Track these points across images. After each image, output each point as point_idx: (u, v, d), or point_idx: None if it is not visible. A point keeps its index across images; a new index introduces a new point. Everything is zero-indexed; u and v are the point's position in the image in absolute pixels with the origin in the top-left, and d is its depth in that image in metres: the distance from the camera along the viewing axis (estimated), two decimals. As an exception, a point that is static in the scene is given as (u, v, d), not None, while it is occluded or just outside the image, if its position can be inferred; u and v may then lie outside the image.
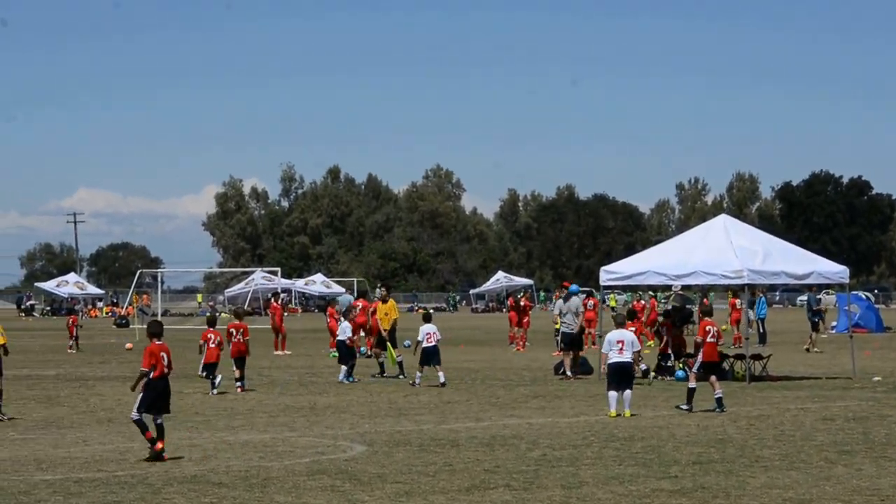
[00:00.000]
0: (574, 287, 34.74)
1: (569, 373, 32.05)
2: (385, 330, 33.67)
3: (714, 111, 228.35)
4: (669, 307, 36.20)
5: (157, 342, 18.21)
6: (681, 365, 31.60)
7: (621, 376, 23.05)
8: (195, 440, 20.10)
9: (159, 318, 79.18)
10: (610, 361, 23.09)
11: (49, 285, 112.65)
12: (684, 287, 39.05)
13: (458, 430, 21.39)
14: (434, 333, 30.17)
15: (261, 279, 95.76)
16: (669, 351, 32.67)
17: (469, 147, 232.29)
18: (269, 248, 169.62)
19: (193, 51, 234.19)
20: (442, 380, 29.85)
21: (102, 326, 77.13)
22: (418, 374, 30.17)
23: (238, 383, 28.76)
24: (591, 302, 47.77)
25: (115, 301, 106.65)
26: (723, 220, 33.98)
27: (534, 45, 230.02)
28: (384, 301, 34.64)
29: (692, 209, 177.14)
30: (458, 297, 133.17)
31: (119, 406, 25.50)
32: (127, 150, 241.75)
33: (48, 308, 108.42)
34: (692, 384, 24.14)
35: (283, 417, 23.56)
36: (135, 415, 17.93)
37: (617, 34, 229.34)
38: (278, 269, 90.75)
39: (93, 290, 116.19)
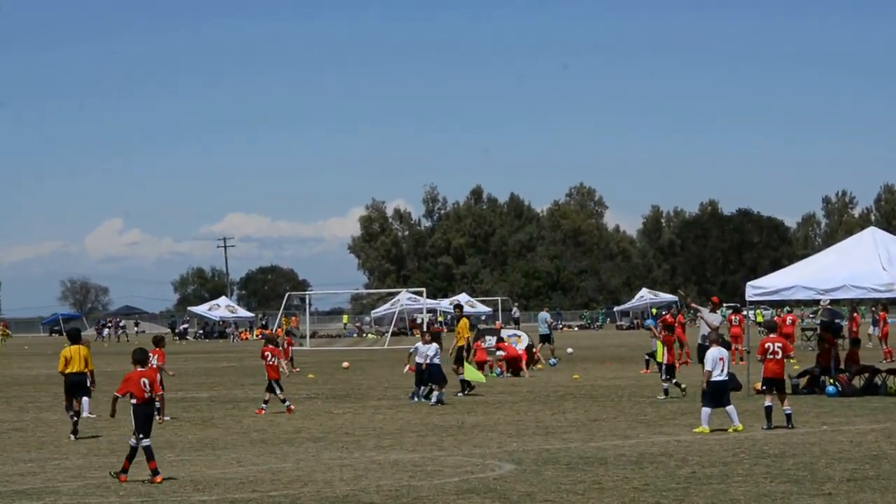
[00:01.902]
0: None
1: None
2: (459, 347, 34.25)
3: (861, 121, 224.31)
4: (818, 322, 35.71)
5: (141, 369, 18.73)
6: (832, 381, 31.09)
7: (720, 394, 23.14)
8: (346, 460, 20.37)
9: (307, 339, 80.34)
10: (711, 379, 23.11)
11: (201, 309, 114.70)
12: (832, 301, 38.45)
13: (605, 447, 21.35)
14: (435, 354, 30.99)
15: (406, 300, 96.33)
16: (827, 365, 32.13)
17: (611, 164, 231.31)
18: (414, 268, 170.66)
19: (338, 79, 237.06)
20: (434, 400, 30.41)
21: (253, 349, 78.26)
22: (436, 392, 30.68)
23: (284, 404, 28.97)
24: (736, 318, 47.21)
25: (264, 324, 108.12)
26: (871, 233, 33.36)
27: (675, 61, 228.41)
28: (457, 320, 35.16)
29: (839, 222, 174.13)
30: (602, 315, 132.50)
31: (272, 427, 25.95)
32: (275, 175, 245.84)
33: (201, 331, 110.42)
34: (768, 402, 23.84)
35: (432, 437, 23.73)
36: (142, 441, 18.31)
37: (767, 44, 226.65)
38: (423, 289, 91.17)
39: (243, 313, 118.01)
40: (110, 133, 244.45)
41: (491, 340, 44.48)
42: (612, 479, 17.63)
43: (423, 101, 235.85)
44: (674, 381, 31.66)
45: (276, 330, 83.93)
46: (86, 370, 25.29)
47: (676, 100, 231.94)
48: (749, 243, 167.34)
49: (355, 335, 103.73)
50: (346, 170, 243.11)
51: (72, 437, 24.15)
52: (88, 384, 25.74)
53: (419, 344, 31.90)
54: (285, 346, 48.86)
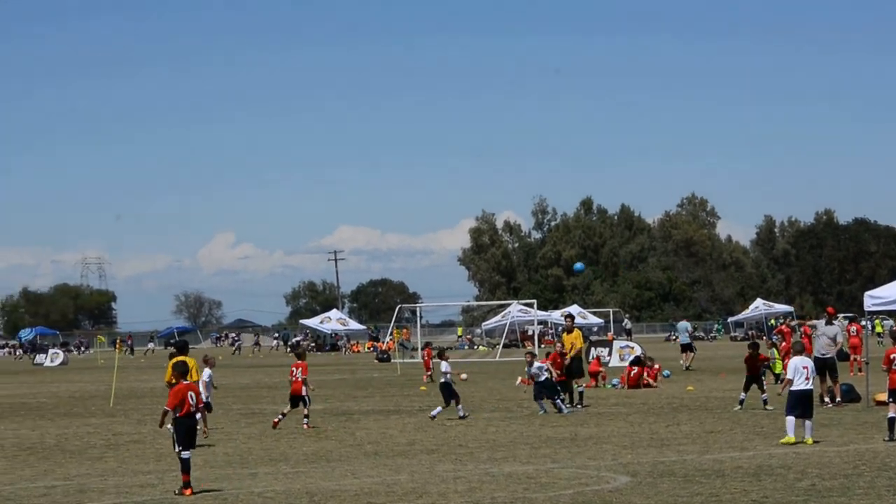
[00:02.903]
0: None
1: (826, 399, 31.32)
2: (569, 359, 33.67)
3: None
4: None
5: (185, 382, 18.97)
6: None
7: (804, 404, 22.92)
8: (460, 472, 20.34)
9: (418, 352, 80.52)
10: (793, 388, 22.84)
11: (313, 322, 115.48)
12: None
13: (722, 459, 21.08)
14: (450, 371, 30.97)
15: (517, 312, 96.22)
16: None
17: (723, 174, 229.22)
18: (524, 280, 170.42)
19: (450, 93, 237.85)
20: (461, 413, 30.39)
21: (365, 361, 78.76)
22: (460, 407, 30.65)
23: (304, 420, 28.87)
24: (853, 328, 46.45)
25: (375, 336, 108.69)
26: None
27: (780, 68, 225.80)
28: (569, 331, 34.70)
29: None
30: (720, 326, 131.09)
31: (385, 439, 26.04)
32: (384, 188, 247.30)
33: (312, 344, 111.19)
34: (892, 413, 23.30)
35: (545, 449, 23.63)
36: (181, 453, 18.43)
37: (879, 47, 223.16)
38: (534, 301, 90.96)
39: (354, 325, 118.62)
40: (222, 150, 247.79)
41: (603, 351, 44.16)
42: (729, 491, 17.39)
43: (535, 112, 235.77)
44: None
45: (387, 343, 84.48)
46: (193, 381, 25.53)
47: (790, 108, 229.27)
48: (866, 252, 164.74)
49: (466, 347, 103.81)
50: (455, 182, 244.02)
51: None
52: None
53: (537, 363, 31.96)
54: (426, 357, 49.72)
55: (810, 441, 22.87)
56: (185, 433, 18.60)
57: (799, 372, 23.00)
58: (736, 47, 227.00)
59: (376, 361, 75.72)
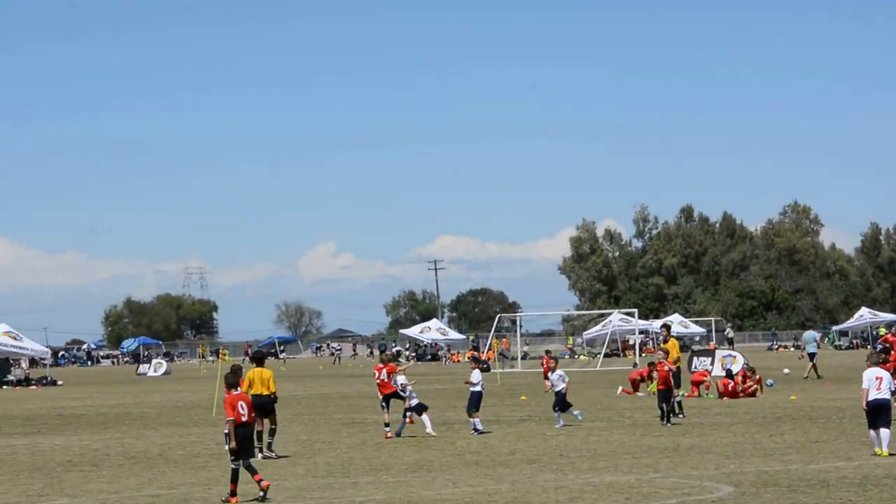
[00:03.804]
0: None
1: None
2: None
3: None
4: None
5: (235, 392, 19.14)
6: None
7: (878, 414, 22.49)
8: (561, 482, 20.26)
9: (518, 361, 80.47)
10: (868, 399, 22.50)
11: (413, 331, 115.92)
12: None
13: (827, 469, 20.78)
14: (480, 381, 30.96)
15: (618, 321, 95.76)
16: None
17: (827, 182, 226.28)
18: (625, 289, 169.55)
19: (547, 99, 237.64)
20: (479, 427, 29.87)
21: (465, 371, 78.66)
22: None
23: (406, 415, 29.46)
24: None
25: (475, 346, 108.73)
26: None
27: (884, 73, 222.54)
28: (665, 341, 34.39)
29: None
30: (832, 334, 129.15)
31: (485, 449, 26.01)
32: (484, 198, 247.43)
33: (413, 354, 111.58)
34: None
35: (647, 458, 23.45)
36: (234, 465, 18.75)
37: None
38: (635, 310, 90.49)
39: (454, 335, 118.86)
40: (324, 161, 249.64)
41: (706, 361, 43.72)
42: (834, 501, 17.15)
43: (636, 121, 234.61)
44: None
45: (486, 353, 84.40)
46: (268, 392, 25.67)
47: (892, 113, 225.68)
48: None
49: (567, 356, 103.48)
50: (555, 191, 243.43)
51: (260, 454, 24.77)
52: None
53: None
54: (544, 365, 49.75)
55: (885, 453, 22.24)
56: (243, 441, 18.88)
57: (872, 382, 22.65)
58: (838, 52, 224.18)
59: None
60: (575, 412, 31.21)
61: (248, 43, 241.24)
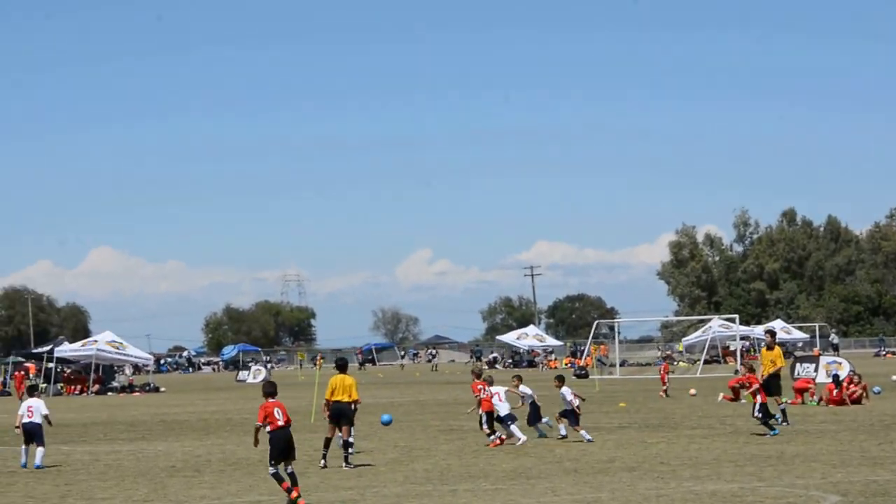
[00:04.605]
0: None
1: None
2: (763, 376, 32.49)
3: None
4: None
5: (271, 400, 20.22)
6: None
7: None
8: (662, 490, 19.93)
9: (616, 367, 79.97)
10: None
11: (509, 338, 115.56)
12: None
13: (938, 480, 20.22)
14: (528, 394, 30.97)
15: (718, 327, 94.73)
16: None
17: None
18: (725, 294, 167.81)
19: (647, 104, 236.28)
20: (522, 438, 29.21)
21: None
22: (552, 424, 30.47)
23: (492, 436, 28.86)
24: None
25: (573, 352, 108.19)
26: None
27: None
28: (770, 348, 33.52)
29: None
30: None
31: (584, 456, 25.72)
32: (582, 203, 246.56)
33: (510, 360, 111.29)
34: None
35: (750, 467, 23.01)
36: (271, 469, 19.69)
37: None
38: (736, 315, 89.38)
39: (551, 341, 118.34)
40: (421, 168, 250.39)
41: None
42: (947, 513, 16.64)
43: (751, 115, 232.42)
44: None
45: (585, 359, 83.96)
46: (350, 399, 25.39)
47: None
48: None
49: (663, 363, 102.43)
50: (655, 196, 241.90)
51: (322, 461, 24.96)
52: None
53: None
54: (662, 373, 52.18)
55: None
56: (283, 446, 19.74)
57: None
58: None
59: (574, 378, 75.23)
60: (544, 419, 31.14)
61: (347, 55, 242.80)
